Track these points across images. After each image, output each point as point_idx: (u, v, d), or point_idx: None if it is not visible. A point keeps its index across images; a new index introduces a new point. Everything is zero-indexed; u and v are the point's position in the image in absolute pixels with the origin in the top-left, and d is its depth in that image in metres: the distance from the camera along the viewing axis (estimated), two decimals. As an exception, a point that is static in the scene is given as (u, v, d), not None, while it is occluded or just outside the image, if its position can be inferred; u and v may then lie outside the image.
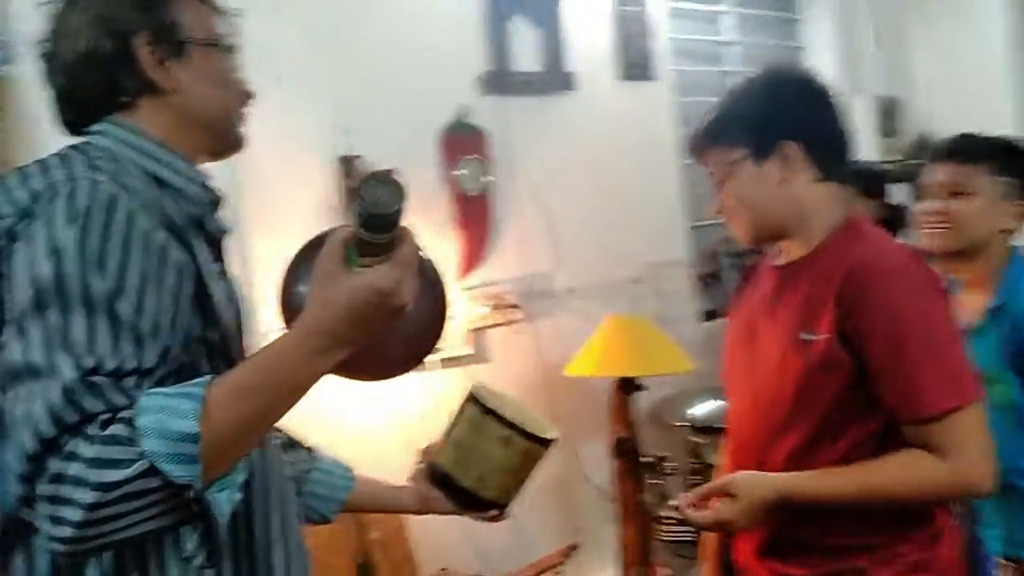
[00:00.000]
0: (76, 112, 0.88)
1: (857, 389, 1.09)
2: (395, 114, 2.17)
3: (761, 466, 1.15)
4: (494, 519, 1.11)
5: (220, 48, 0.92)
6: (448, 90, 2.27)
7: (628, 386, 2.17)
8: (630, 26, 2.67)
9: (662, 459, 2.34)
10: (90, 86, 0.86)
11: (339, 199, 2.07)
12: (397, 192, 0.74)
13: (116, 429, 0.69)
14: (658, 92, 2.76)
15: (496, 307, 2.29)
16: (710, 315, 2.83)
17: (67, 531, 0.69)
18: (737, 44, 3.15)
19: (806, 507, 1.09)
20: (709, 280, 2.92)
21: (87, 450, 0.68)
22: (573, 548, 2.11)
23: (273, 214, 1.96)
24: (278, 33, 2.00)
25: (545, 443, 1.08)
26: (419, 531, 2.10)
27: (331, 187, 2.07)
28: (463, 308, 2.23)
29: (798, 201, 1.18)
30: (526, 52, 2.42)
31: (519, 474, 1.08)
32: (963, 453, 1.05)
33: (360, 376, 0.96)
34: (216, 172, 2.11)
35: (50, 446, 0.68)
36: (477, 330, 2.26)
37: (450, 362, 2.20)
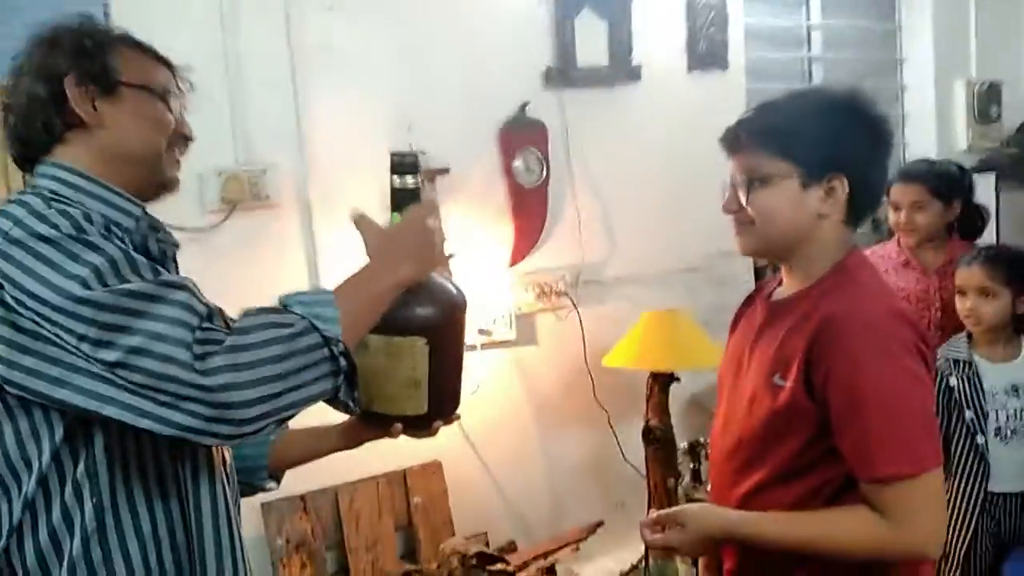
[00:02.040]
0: (24, 150, 0.99)
1: (820, 439, 1.11)
2: (458, 110, 2.29)
3: (723, 495, 1.22)
4: (428, 431, 1.10)
5: (153, 93, 1.00)
6: (511, 85, 2.36)
7: (662, 377, 2.26)
8: (702, 14, 2.66)
9: (699, 444, 2.43)
10: (31, 126, 0.97)
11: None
12: (413, 154, 1.08)
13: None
14: (728, 81, 2.74)
15: (543, 294, 2.41)
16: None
17: (248, 393, 0.81)
18: (821, 27, 3.06)
19: (749, 546, 1.15)
20: (767, 270, 2.92)
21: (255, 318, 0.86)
22: (599, 525, 2.26)
23: (338, 207, 2.13)
24: (344, 31, 2.15)
25: (408, 331, 1.03)
26: (459, 497, 2.30)
27: (395, 180, 2.22)
28: (512, 294, 2.37)
29: (818, 236, 1.18)
30: (592, 46, 2.47)
31: (401, 376, 1.04)
32: (910, 521, 1.05)
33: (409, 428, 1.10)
34: (286, 166, 2.30)
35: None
36: (524, 315, 2.40)
37: (495, 344, 2.35)
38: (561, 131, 2.44)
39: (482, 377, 2.32)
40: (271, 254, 2.09)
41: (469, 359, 2.32)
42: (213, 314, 0.86)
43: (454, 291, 1.11)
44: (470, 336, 2.29)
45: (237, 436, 0.83)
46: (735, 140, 1.21)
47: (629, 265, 2.55)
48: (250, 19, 2.05)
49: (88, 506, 0.88)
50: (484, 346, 2.32)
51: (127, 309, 0.81)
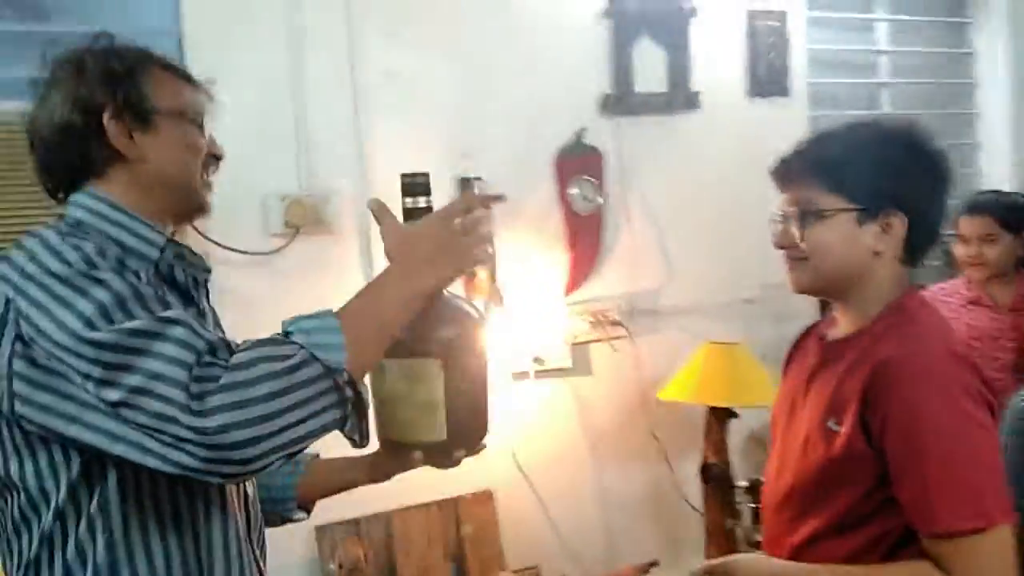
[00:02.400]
0: (55, 181, 0.99)
1: (879, 488, 1.06)
2: (515, 136, 2.29)
3: (776, 543, 1.17)
4: (450, 461, 1.04)
5: (186, 117, 0.99)
6: (568, 112, 2.35)
7: (721, 413, 2.20)
8: (762, 39, 2.62)
9: (759, 483, 2.34)
10: (65, 158, 0.96)
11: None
12: (423, 174, 1.07)
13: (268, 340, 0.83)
14: (790, 108, 2.68)
15: (598, 323, 2.38)
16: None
17: (247, 432, 0.77)
18: (890, 53, 2.98)
19: None
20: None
21: (248, 351, 0.81)
22: (653, 564, 2.19)
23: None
24: (405, 58, 2.18)
25: (420, 352, 0.98)
26: (510, 529, 2.26)
27: (449, 206, 2.23)
28: (566, 323, 2.35)
29: (873, 274, 1.15)
30: (650, 73, 2.45)
31: (416, 401, 1.00)
32: None
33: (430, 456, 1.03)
34: (348, 192, 2.32)
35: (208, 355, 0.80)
36: (578, 344, 2.36)
37: (549, 373, 2.32)
38: (617, 158, 2.42)
39: (536, 406, 2.29)
40: (331, 279, 2.10)
41: (522, 388, 2.32)
42: (216, 347, 0.82)
43: (469, 309, 1.06)
44: (523, 364, 2.31)
45: (241, 475, 0.80)
46: (787, 172, 1.18)
47: (685, 295, 2.50)
48: (314, 46, 2.10)
49: (100, 541, 0.87)
50: (538, 375, 2.30)
51: (128, 348, 0.79)
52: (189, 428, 0.77)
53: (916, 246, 1.15)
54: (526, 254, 2.29)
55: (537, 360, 2.30)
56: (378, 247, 2.07)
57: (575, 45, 2.36)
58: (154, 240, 0.97)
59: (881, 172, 1.12)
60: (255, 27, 2.06)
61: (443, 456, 1.04)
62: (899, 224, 1.13)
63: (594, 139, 2.38)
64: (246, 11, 2.05)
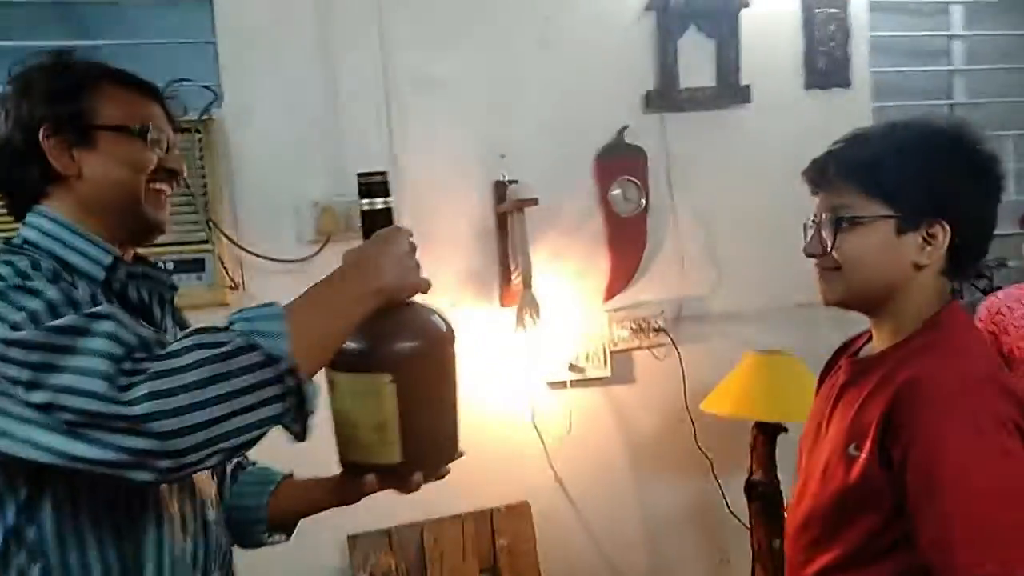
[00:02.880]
0: (10, 200, 0.97)
1: (898, 520, 0.97)
2: (552, 137, 2.22)
3: (794, 573, 1.10)
4: (407, 485, 0.96)
5: (131, 132, 0.95)
6: (608, 110, 2.27)
7: (768, 427, 2.08)
8: (821, 27, 2.46)
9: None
10: (7, 176, 0.95)
11: (494, 223, 2.18)
12: (381, 172, 0.97)
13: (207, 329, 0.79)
14: (852, 99, 2.52)
15: (640, 330, 2.28)
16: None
17: (177, 421, 0.73)
18: (964, 37, 2.77)
19: None
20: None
21: (185, 340, 0.77)
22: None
23: (431, 238, 2.11)
24: (438, 60, 2.13)
25: (372, 367, 0.91)
26: (548, 542, 2.20)
27: (487, 212, 2.18)
28: (606, 330, 2.26)
29: (912, 288, 1.04)
30: (696, 68, 2.33)
31: (368, 419, 0.93)
32: None
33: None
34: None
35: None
36: (619, 352, 2.28)
37: (587, 382, 2.24)
38: (662, 157, 2.31)
39: (575, 416, 2.22)
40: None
41: (560, 395, 2.24)
42: (149, 343, 0.78)
43: (436, 322, 0.96)
44: (560, 372, 2.24)
45: (178, 469, 0.76)
46: (821, 175, 1.08)
47: (736, 300, 2.38)
48: (347, 52, 2.07)
49: (35, 570, 0.85)
50: (575, 383, 2.22)
51: (55, 347, 0.76)
52: (116, 417, 0.73)
53: (961, 258, 1.05)
54: (564, 258, 2.22)
55: (574, 368, 2.22)
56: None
57: (615, 40, 2.27)
58: (98, 258, 0.94)
59: (925, 176, 1.02)
60: (288, 36, 2.04)
61: (399, 480, 0.95)
62: (943, 235, 1.02)
63: (637, 137, 2.28)
64: (279, 20, 2.04)
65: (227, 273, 1.99)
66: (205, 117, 1.97)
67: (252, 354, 0.77)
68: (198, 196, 1.98)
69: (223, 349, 0.76)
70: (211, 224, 1.99)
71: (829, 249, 1.06)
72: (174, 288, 1.04)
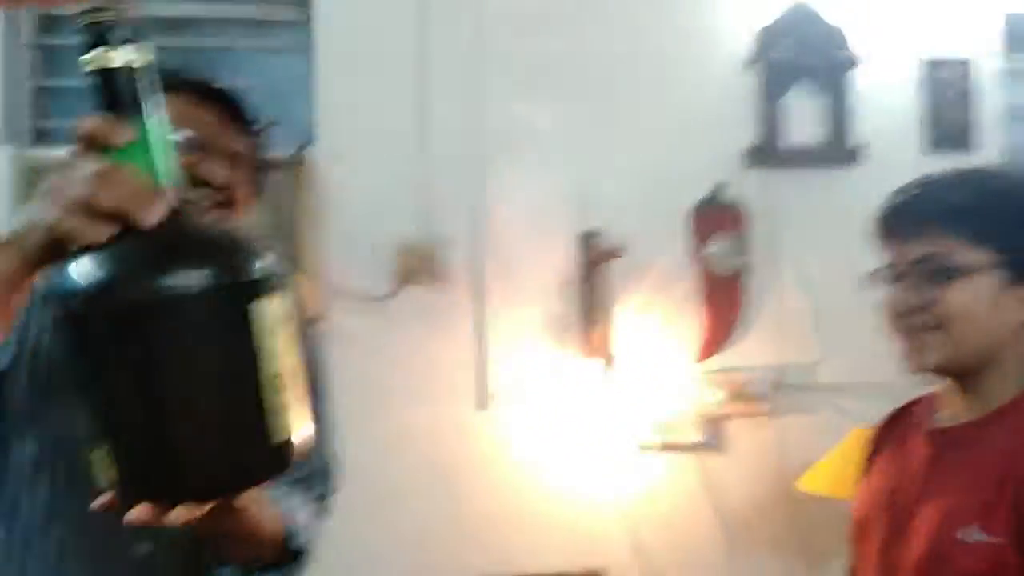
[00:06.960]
0: None
1: None
2: (644, 189, 2.17)
3: None
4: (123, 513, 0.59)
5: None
6: (705, 164, 2.20)
7: (876, 508, 1.85)
8: (943, 91, 2.33)
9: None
10: None
11: (580, 274, 2.13)
12: (108, 9, 0.55)
13: None
14: (979, 163, 2.35)
15: (737, 395, 2.13)
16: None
17: None
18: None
19: None
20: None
21: None
22: None
23: (514, 287, 2.08)
24: (534, 108, 2.14)
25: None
26: None
27: (572, 262, 2.13)
28: (697, 393, 2.13)
29: (1011, 350, 0.93)
30: (802, 125, 2.25)
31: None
32: None
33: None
34: (464, 241, 2.28)
35: None
36: (712, 418, 2.13)
37: (675, 447, 2.10)
38: (764, 215, 2.21)
39: (659, 483, 2.07)
40: (441, 328, 2.06)
41: (645, 458, 2.11)
42: None
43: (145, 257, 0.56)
44: (645, 432, 2.10)
45: None
46: (906, 220, 0.97)
47: (843, 370, 2.19)
48: (442, 100, 2.12)
49: None
50: (662, 448, 2.08)
51: None
52: None
53: None
54: (652, 314, 2.12)
55: (662, 430, 2.09)
56: (492, 298, 2.06)
57: (715, 94, 2.22)
58: None
59: None
60: (383, 75, 2.11)
61: (119, 505, 0.58)
62: None
63: (737, 194, 2.19)
64: (375, 58, 2.12)
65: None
66: (299, 156, 2.05)
67: None
68: (285, 230, 2.04)
69: None
70: (293, 259, 2.03)
71: (931, 304, 0.93)
72: None
